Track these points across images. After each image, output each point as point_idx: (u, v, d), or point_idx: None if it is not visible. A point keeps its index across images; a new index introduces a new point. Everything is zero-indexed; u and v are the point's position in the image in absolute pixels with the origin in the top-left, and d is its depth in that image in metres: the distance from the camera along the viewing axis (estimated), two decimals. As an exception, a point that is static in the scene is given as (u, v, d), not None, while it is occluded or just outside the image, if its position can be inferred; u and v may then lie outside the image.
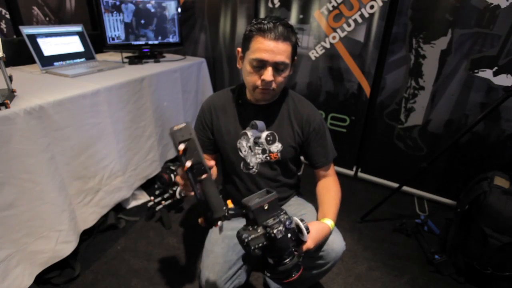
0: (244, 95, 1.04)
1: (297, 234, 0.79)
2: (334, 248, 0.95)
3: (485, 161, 1.70)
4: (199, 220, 0.75)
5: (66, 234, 1.21)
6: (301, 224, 0.78)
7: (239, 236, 0.74)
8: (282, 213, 0.75)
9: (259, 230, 0.72)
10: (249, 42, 0.90)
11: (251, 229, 0.74)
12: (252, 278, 1.35)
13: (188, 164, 0.69)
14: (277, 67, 0.89)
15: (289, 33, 0.88)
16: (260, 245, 0.71)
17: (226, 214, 0.73)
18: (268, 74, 0.87)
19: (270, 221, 0.72)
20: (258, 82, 0.90)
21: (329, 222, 0.92)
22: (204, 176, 0.71)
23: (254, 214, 0.73)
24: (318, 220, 0.93)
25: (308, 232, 0.78)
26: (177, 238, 1.56)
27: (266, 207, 0.73)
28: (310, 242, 0.81)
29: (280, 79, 0.91)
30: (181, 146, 0.68)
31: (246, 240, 0.71)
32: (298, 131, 1.03)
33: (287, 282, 1.15)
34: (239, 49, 0.96)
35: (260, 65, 0.88)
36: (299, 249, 0.80)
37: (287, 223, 0.73)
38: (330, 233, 0.92)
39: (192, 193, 0.75)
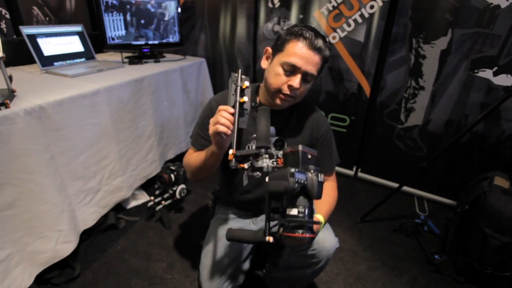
0: (257, 98, 1.03)
1: None
2: (325, 246, 0.95)
3: (485, 161, 1.70)
4: (230, 152, 0.74)
5: (66, 234, 1.21)
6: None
7: (281, 170, 0.69)
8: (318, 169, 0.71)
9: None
10: (284, 44, 0.89)
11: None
12: (251, 278, 1.35)
13: (246, 98, 0.76)
14: (305, 78, 0.89)
15: (326, 48, 0.88)
16: (302, 181, 0.66)
17: (270, 146, 0.76)
18: (296, 81, 0.87)
19: (312, 168, 0.68)
20: (284, 87, 0.89)
21: (319, 217, 0.92)
22: (264, 106, 0.79)
23: (300, 155, 0.69)
24: None
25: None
26: (177, 238, 1.56)
27: (309, 157, 0.70)
28: None
29: (303, 89, 0.91)
30: (247, 83, 0.76)
31: (292, 170, 0.65)
32: (307, 137, 1.03)
33: (280, 280, 1.15)
34: (269, 48, 0.95)
35: (291, 70, 0.88)
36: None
37: (320, 177, 0.69)
38: (321, 227, 0.92)
39: (229, 132, 0.76)
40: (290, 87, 0.88)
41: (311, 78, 0.90)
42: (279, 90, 0.90)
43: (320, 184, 0.68)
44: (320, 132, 1.03)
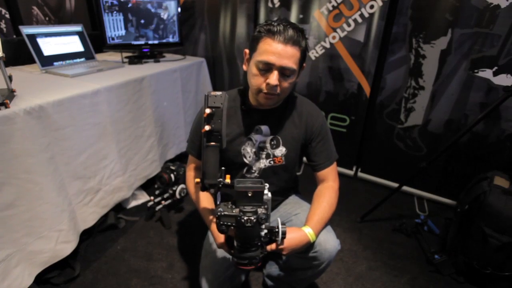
0: (247, 100, 1.01)
1: (274, 234, 0.80)
2: (327, 248, 0.94)
3: (485, 161, 1.70)
4: (195, 180, 0.79)
5: (66, 234, 1.21)
6: (280, 227, 0.79)
7: (216, 207, 0.76)
8: (263, 207, 0.75)
9: (234, 211, 0.74)
10: (257, 43, 0.87)
11: (229, 206, 0.76)
12: (251, 278, 1.35)
13: (207, 128, 0.74)
14: (284, 72, 0.86)
15: (299, 38, 0.85)
16: (229, 224, 0.74)
17: (219, 184, 0.77)
18: (273, 78, 0.85)
19: (248, 208, 0.73)
20: (263, 86, 0.88)
21: (308, 230, 0.90)
22: (212, 143, 0.76)
23: (235, 195, 0.74)
24: (299, 228, 0.92)
25: (283, 238, 0.80)
26: (177, 238, 1.56)
27: (249, 194, 0.73)
28: (282, 246, 0.84)
29: (285, 84, 0.88)
30: (208, 110, 0.74)
31: (219, 213, 0.74)
32: (301, 132, 1.02)
33: (281, 280, 1.16)
34: (247, 50, 0.94)
35: (266, 68, 0.86)
36: (265, 248, 0.82)
37: (261, 217, 0.73)
38: (308, 242, 0.90)
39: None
40: (268, 85, 0.86)
41: (290, 72, 0.87)
42: (260, 90, 0.89)
43: (251, 229, 0.74)
44: (315, 127, 1.02)
